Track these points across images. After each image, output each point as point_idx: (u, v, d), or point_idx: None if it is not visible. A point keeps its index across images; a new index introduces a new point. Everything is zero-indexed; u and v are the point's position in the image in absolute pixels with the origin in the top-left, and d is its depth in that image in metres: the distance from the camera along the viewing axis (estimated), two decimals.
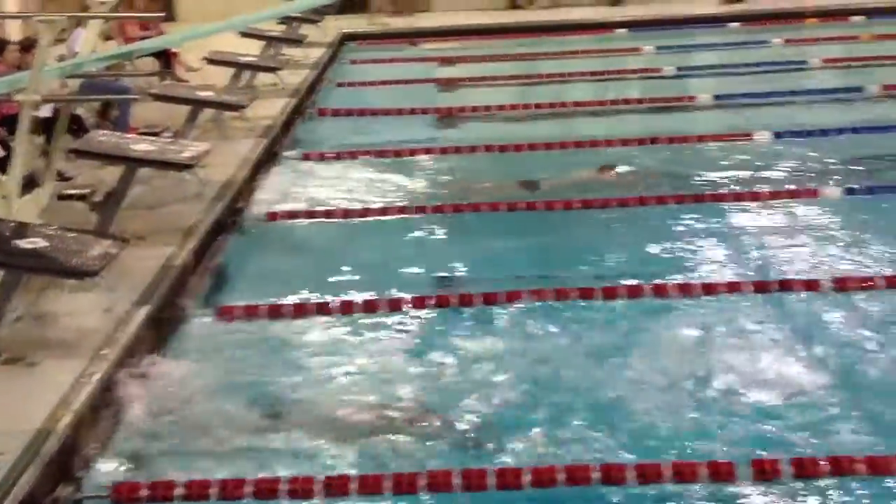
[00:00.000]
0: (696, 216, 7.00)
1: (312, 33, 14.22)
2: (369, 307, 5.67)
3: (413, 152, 9.04)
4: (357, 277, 6.21)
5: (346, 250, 6.82)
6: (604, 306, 5.58)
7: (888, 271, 5.83)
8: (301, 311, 5.67)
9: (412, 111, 10.68)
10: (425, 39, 15.63)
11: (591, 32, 15.68)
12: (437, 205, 7.51)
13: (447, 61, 13.71)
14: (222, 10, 12.13)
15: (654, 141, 8.99)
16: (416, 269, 6.34)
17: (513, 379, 4.84)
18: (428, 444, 4.30)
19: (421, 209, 7.43)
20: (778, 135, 8.87)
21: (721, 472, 3.93)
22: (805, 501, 3.80)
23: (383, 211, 7.41)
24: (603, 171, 8.14)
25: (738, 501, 3.83)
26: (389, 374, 4.97)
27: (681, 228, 6.80)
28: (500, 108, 10.82)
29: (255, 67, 11.33)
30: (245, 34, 12.06)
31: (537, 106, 10.86)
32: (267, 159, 8.80)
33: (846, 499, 3.80)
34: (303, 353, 5.22)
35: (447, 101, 11.30)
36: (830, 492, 3.83)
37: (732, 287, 5.71)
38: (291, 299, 5.80)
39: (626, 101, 10.91)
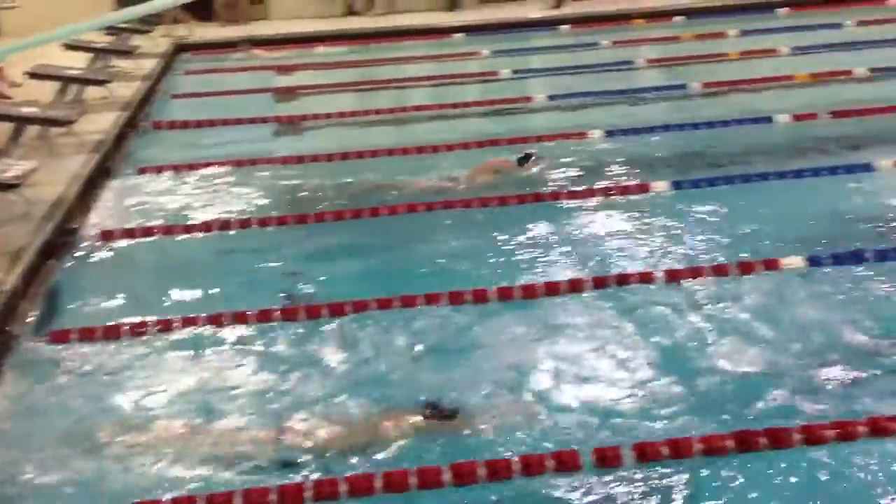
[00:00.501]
0: (537, 215, 7.15)
1: (144, 44, 13.81)
2: (212, 322, 5.55)
3: (253, 163, 8.90)
4: (199, 294, 6.08)
5: (186, 266, 6.66)
6: (450, 310, 5.64)
7: (716, 261, 6.11)
8: (140, 331, 5.49)
9: (251, 121, 10.53)
10: (262, 47, 15.44)
11: (428, 38, 15.89)
12: (280, 216, 7.43)
13: (285, 70, 13.58)
14: (50, 24, 11.61)
15: (494, 143, 9.15)
16: (260, 283, 6.26)
17: (359, 389, 4.82)
18: (258, 463, 4.24)
19: (263, 221, 7.32)
20: (609, 133, 9.19)
21: (566, 462, 4.05)
22: (646, 485, 3.96)
23: (225, 224, 7.26)
24: (522, 163, 8.25)
25: (584, 489, 3.96)
26: (234, 390, 4.88)
27: (523, 229, 6.92)
28: (341, 115, 10.80)
29: (83, 81, 10.92)
30: (71, 46, 11.59)
31: (378, 112, 10.89)
32: (99, 176, 8.49)
33: (685, 477, 3.98)
34: (141, 375, 5.07)
35: (286, 109, 11.20)
36: (671, 475, 4.00)
37: (574, 285, 5.86)
38: (129, 320, 5.62)
39: (466, 105, 11.06)
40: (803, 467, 4.03)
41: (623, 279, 5.89)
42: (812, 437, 4.14)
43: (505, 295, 5.76)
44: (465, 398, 4.62)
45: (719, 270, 5.93)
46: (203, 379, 5.01)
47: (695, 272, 5.92)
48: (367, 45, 15.45)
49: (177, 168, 8.78)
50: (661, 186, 7.56)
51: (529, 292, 5.79)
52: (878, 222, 6.59)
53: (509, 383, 4.80)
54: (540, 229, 6.90)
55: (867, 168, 7.65)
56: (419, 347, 5.25)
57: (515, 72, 12.54)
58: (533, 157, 8.31)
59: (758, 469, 4.03)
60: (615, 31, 15.27)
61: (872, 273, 5.84)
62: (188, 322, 5.56)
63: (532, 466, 4.05)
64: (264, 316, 5.62)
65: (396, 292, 5.75)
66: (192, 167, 8.78)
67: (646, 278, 5.88)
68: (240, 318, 5.60)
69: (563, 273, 6.14)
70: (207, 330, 5.50)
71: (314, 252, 6.80)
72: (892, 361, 4.82)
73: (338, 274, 6.39)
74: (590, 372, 4.89)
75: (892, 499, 3.83)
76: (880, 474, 3.98)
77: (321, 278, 6.25)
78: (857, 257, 6.00)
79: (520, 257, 6.48)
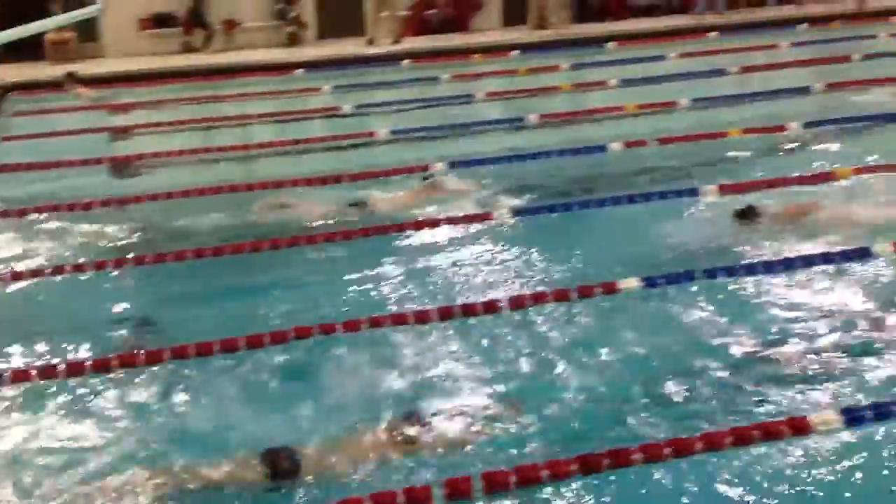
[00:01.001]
0: (382, 249, 7.19)
1: None
2: (47, 374, 5.31)
3: (89, 205, 8.59)
4: (36, 343, 5.80)
5: (21, 316, 6.36)
6: (297, 346, 5.59)
7: (558, 286, 6.28)
8: None
9: (84, 163, 10.18)
10: (93, 86, 14.98)
11: (270, 74, 15.80)
12: (119, 258, 7.20)
13: (121, 108, 13.22)
14: None
15: (338, 179, 9.16)
16: (100, 329, 6.03)
17: (189, 439, 4.71)
18: None
19: (101, 265, 7.06)
20: (452, 164, 9.35)
21: (419, 497, 4.06)
22: None
23: (58, 270, 6.97)
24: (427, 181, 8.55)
25: None
26: (73, 442, 4.68)
27: (369, 262, 6.94)
28: (180, 153, 10.59)
29: None
30: None
31: (220, 149, 10.74)
32: None
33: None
34: None
35: (123, 149, 10.89)
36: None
37: (419, 316, 5.89)
38: None
39: (309, 141, 11.04)
40: (645, 485, 4.19)
41: (468, 309, 5.97)
42: (650, 455, 4.27)
43: (352, 328, 5.74)
44: (308, 439, 4.55)
45: (560, 296, 6.09)
46: (45, 433, 4.77)
47: (537, 298, 6.06)
48: (207, 83, 15.22)
49: (6, 213, 8.39)
50: (503, 215, 7.74)
51: (376, 324, 5.80)
52: (705, 243, 6.93)
53: (355, 419, 4.76)
54: (388, 262, 6.94)
55: (693, 193, 8.06)
56: (262, 388, 5.16)
57: (358, 107, 12.62)
58: (432, 177, 8.63)
59: (602, 489, 4.16)
60: (454, 66, 15.58)
61: (704, 291, 6.14)
62: (20, 375, 5.30)
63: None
64: (100, 365, 5.40)
65: (244, 332, 5.66)
66: (22, 212, 8.40)
67: (491, 307, 5.98)
68: (77, 368, 5.37)
69: (411, 304, 6.18)
70: (45, 381, 5.25)
71: (155, 295, 6.63)
72: (725, 376, 5.06)
73: (182, 316, 6.23)
74: (438, 403, 4.90)
75: None
76: (717, 486, 4.17)
77: (164, 321, 6.08)
78: (688, 277, 6.29)
79: (367, 290, 6.49)
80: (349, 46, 17.87)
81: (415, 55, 16.62)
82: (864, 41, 15.32)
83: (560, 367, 5.26)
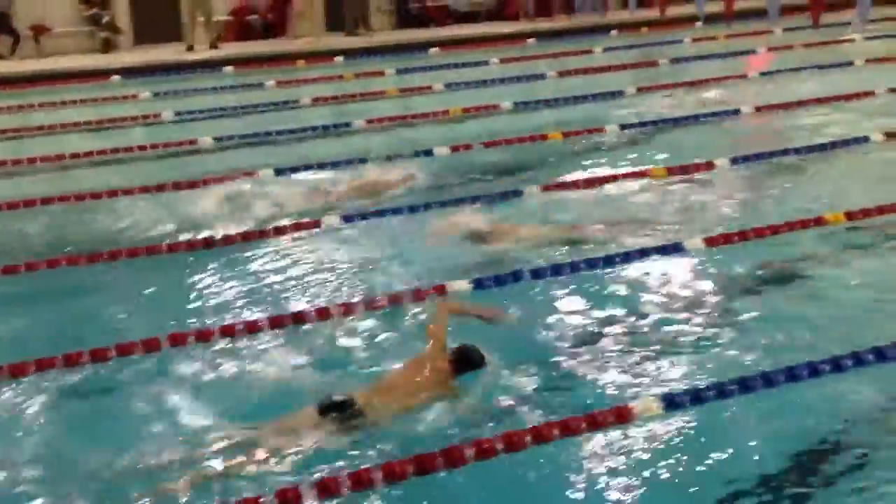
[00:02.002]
0: (210, 260, 7.02)
1: None
2: None
3: None
4: None
5: None
6: (121, 363, 5.39)
7: (393, 289, 6.29)
8: None
9: None
10: None
11: (84, 81, 15.15)
12: None
13: None
14: None
15: (160, 188, 8.88)
16: None
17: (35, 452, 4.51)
18: None
19: None
20: (279, 171, 9.22)
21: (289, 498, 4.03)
22: None
23: None
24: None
25: None
26: None
27: (195, 274, 6.78)
28: None
29: None
30: None
31: (30, 161, 10.22)
32: None
33: None
34: None
35: None
36: None
37: (250, 326, 5.80)
38: None
39: (128, 149, 10.65)
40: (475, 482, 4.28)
41: (300, 317, 5.91)
42: (481, 452, 4.35)
43: (178, 340, 5.59)
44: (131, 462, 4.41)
45: (395, 300, 6.10)
46: None
47: (370, 304, 6.05)
48: (17, 91, 14.45)
49: None
50: (332, 220, 7.71)
51: (204, 337, 5.67)
52: (527, 243, 7.10)
53: (178, 438, 4.63)
54: (215, 272, 6.80)
55: (517, 194, 8.28)
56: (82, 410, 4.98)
57: (178, 114, 12.29)
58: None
59: (438, 487, 4.23)
60: (278, 71, 15.40)
61: (531, 290, 6.31)
62: None
63: None
64: None
65: (61, 351, 5.40)
66: None
67: (323, 314, 5.93)
68: None
69: (241, 315, 6.08)
70: None
71: None
72: (547, 372, 5.21)
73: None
74: (266, 411, 4.81)
75: None
76: (547, 477, 4.32)
77: None
78: (515, 277, 6.45)
79: (198, 302, 6.34)
80: (168, 52, 17.37)
81: (238, 61, 16.32)
82: (670, 46, 16.15)
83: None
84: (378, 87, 13.78)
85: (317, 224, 7.68)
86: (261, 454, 4.39)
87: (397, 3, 19.68)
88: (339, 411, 4.54)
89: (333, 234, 7.52)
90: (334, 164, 9.49)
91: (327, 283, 6.59)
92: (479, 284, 6.29)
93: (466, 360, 4.93)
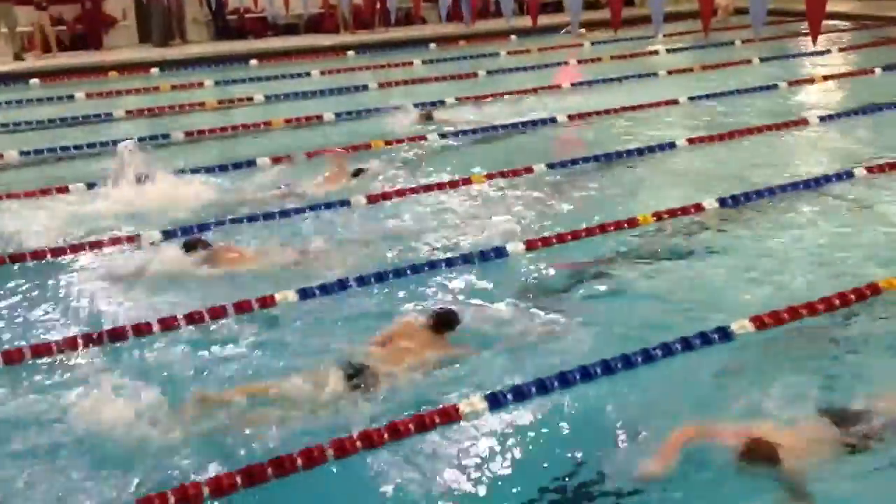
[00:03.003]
0: (22, 276, 6.74)
1: None
2: None
3: None
4: None
5: None
6: None
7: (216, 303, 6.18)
8: None
9: None
10: None
11: None
12: None
13: None
14: None
15: None
16: None
17: None
18: None
19: None
20: (90, 185, 8.83)
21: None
22: None
23: None
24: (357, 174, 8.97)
25: None
26: None
27: (13, 290, 6.54)
28: None
29: None
30: None
31: None
32: None
33: None
34: None
35: None
36: None
37: (66, 343, 5.60)
38: None
39: None
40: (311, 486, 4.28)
41: (115, 333, 5.73)
42: (309, 461, 4.41)
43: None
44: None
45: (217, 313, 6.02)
46: None
47: (193, 318, 5.93)
48: None
49: None
50: (151, 237, 7.48)
51: (17, 357, 5.43)
52: (348, 255, 7.12)
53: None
54: (32, 290, 6.57)
55: (344, 203, 8.29)
56: None
57: None
58: (366, 170, 9.08)
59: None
60: (89, 83, 14.80)
61: (355, 297, 6.34)
62: None
63: None
64: None
65: None
66: None
67: (141, 330, 5.77)
68: None
69: (56, 333, 5.84)
70: None
71: None
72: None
73: None
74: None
75: None
76: (378, 483, 4.36)
77: None
78: (342, 285, 6.45)
79: (17, 319, 6.12)
80: None
81: (45, 73, 15.56)
82: (487, 59, 16.54)
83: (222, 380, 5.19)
84: (197, 98, 13.46)
85: (132, 240, 7.44)
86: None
87: (214, 15, 19.29)
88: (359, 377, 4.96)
89: (153, 250, 7.27)
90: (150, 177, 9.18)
91: (144, 300, 6.39)
92: (304, 294, 6.27)
93: (445, 322, 5.56)
